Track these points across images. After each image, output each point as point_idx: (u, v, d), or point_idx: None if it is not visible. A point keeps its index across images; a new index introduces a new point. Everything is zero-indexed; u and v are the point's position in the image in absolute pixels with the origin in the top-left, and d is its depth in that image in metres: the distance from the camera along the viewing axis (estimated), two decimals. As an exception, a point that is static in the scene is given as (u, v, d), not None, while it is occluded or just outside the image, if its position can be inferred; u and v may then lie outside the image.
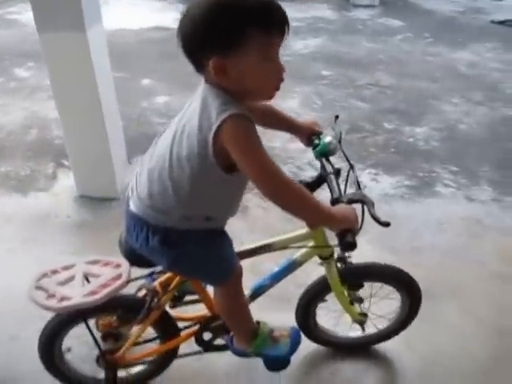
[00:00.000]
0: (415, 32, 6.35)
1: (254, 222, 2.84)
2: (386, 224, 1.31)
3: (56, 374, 1.83)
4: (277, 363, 1.73)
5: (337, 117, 1.69)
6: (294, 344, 1.71)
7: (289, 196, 1.26)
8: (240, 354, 1.74)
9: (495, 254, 2.66)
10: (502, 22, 6.72)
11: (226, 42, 1.16)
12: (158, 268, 1.62)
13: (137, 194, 1.40)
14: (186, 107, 1.32)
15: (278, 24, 1.18)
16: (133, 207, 1.42)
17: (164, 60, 5.26)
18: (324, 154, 1.58)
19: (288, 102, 4.30)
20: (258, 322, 1.69)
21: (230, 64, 1.17)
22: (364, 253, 1.79)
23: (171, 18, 6.79)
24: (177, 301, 1.73)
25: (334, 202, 1.41)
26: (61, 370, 1.82)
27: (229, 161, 1.23)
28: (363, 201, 1.39)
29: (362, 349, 2.13)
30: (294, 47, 5.72)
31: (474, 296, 2.35)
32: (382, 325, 2.05)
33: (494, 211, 3.02)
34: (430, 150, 3.66)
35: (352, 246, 1.32)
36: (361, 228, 1.36)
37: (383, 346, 2.10)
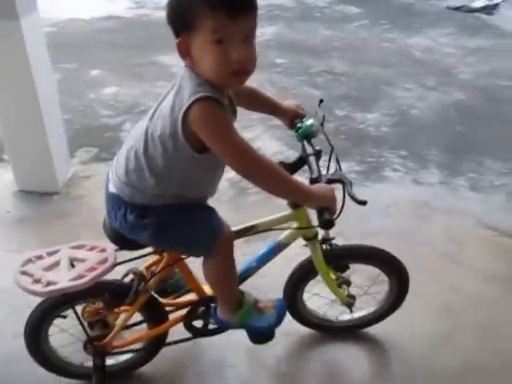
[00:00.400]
0: (372, 19, 6.39)
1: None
2: (363, 202, 1.37)
3: (42, 362, 1.80)
4: (261, 335, 1.73)
5: (321, 101, 1.74)
6: (280, 315, 1.71)
7: (263, 174, 1.32)
8: (224, 325, 1.74)
9: (443, 235, 2.70)
10: (457, 8, 6.82)
11: (183, 21, 1.21)
12: (145, 251, 1.64)
13: (116, 174, 1.46)
14: (167, 90, 1.37)
15: (228, 5, 1.16)
16: (111, 188, 1.48)
17: (115, 50, 5.19)
18: (306, 136, 1.62)
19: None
20: (243, 293, 1.69)
21: (191, 45, 1.23)
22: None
23: (123, 7, 6.70)
24: (165, 296, 1.79)
25: (313, 181, 1.47)
26: (47, 358, 1.80)
27: (200, 141, 1.27)
28: (342, 180, 1.44)
29: (349, 332, 2.14)
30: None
31: (423, 277, 2.37)
32: (371, 308, 2.07)
33: (442, 193, 3.08)
34: (381, 135, 3.69)
35: (330, 223, 1.36)
36: (343, 207, 1.40)
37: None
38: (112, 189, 1.48)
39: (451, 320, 2.19)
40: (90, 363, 1.76)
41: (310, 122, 1.63)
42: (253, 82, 4.25)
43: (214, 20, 1.16)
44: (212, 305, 1.74)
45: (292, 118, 1.69)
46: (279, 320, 1.70)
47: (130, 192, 1.43)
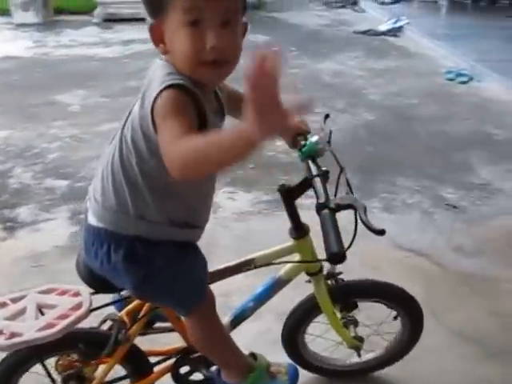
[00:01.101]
0: (281, 46, 6.46)
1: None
2: (381, 232, 1.16)
3: None
4: None
5: (327, 116, 1.56)
6: (293, 381, 1.58)
7: (183, 159, 0.97)
8: None
9: (357, 261, 2.60)
10: (364, 32, 7.06)
11: (156, 1, 1.07)
12: (125, 294, 1.45)
13: (94, 201, 1.26)
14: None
15: None
16: (91, 219, 1.28)
17: (10, 91, 4.92)
18: (310, 155, 1.43)
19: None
20: (254, 355, 1.56)
21: (165, 29, 1.08)
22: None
23: (22, 47, 6.43)
24: (147, 328, 1.55)
25: (320, 207, 1.25)
26: None
27: None
28: (354, 206, 1.24)
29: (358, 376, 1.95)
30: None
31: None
32: (380, 350, 1.89)
33: (353, 216, 3.00)
34: (292, 161, 3.60)
35: (340, 256, 1.13)
36: (354, 237, 1.22)
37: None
38: (92, 220, 1.27)
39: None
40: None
41: (314, 139, 1.45)
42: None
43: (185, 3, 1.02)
44: (216, 367, 1.56)
45: (294, 135, 1.50)
46: (295, 381, 1.57)
47: (113, 218, 1.23)
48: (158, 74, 1.09)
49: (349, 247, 1.17)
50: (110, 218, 1.24)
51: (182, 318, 1.44)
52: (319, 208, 1.25)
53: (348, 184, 1.34)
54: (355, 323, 1.70)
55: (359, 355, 1.80)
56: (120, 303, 1.50)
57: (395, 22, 7.06)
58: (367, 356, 1.88)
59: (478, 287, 2.40)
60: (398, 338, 1.85)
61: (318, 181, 1.34)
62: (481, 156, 3.71)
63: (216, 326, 1.44)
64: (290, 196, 1.44)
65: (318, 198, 1.28)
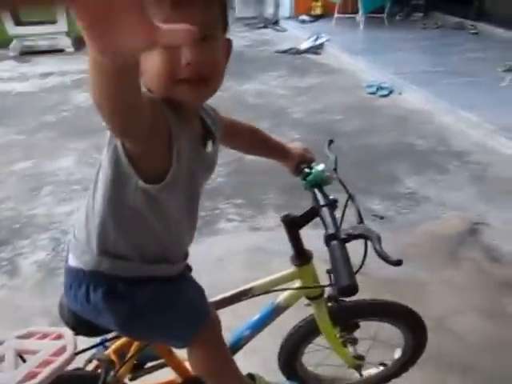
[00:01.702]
0: None
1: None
2: (397, 263, 1.10)
3: None
4: None
5: (331, 141, 1.52)
6: None
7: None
8: None
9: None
10: (286, 51, 7.13)
11: None
12: (111, 334, 1.35)
13: (73, 240, 1.18)
14: None
15: None
16: (71, 260, 1.19)
17: None
18: (317, 183, 1.40)
19: (60, 161, 3.96)
20: (253, 377, 1.50)
21: None
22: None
23: None
24: (136, 370, 1.45)
25: (330, 238, 1.19)
26: None
27: (152, 164, 0.98)
28: (367, 236, 1.19)
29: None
30: (74, 101, 5.41)
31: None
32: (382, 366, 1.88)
33: (279, 236, 2.94)
34: (215, 187, 3.54)
35: (353, 289, 1.07)
36: (362, 265, 1.22)
37: None
38: (71, 261, 1.18)
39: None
40: None
41: (320, 167, 1.43)
42: (74, 150, 3.83)
43: (154, 8, 0.88)
44: None
45: (298, 163, 1.48)
46: None
47: (87, 256, 1.13)
48: None
49: (357, 271, 1.15)
50: (83, 257, 1.15)
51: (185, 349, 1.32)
52: (328, 239, 1.21)
53: (359, 213, 1.27)
54: (354, 341, 1.68)
55: (360, 374, 1.79)
56: (105, 343, 1.40)
57: (315, 40, 7.19)
58: (370, 371, 1.87)
59: (403, 292, 2.40)
60: (400, 353, 1.84)
61: (325, 210, 1.30)
62: (405, 166, 3.78)
63: (222, 350, 1.35)
64: (293, 226, 1.44)
65: (326, 228, 1.24)
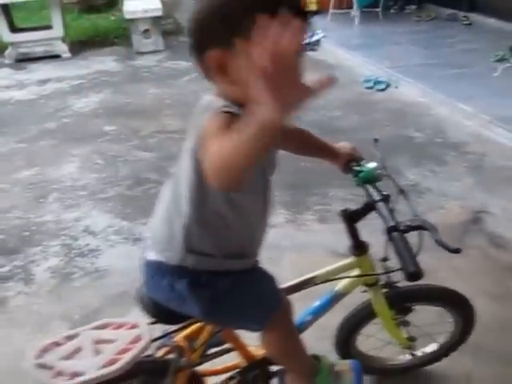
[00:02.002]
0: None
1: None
2: (457, 250, 1.27)
3: None
4: None
5: (376, 140, 1.64)
6: (359, 377, 1.58)
7: (216, 162, 0.92)
8: None
9: (296, 274, 2.60)
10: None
11: (230, 28, 1.00)
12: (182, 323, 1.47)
13: (152, 238, 1.34)
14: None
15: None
16: (149, 255, 1.33)
17: None
18: (369, 180, 1.51)
19: (64, 168, 4.00)
20: (318, 357, 1.57)
21: (233, 61, 1.02)
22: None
23: None
24: (201, 356, 1.55)
25: (391, 230, 1.33)
26: None
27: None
28: (424, 227, 1.33)
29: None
30: (73, 107, 5.45)
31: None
32: (432, 347, 2.00)
33: (290, 232, 3.09)
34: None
35: (418, 274, 1.22)
36: (418, 253, 1.30)
37: None
38: (150, 255, 1.33)
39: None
40: None
41: (372, 165, 1.54)
42: (78, 157, 3.89)
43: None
44: (274, 367, 1.63)
45: (347, 162, 1.58)
46: (359, 382, 1.58)
47: (171, 252, 1.27)
48: (207, 109, 1.07)
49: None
50: (167, 252, 1.28)
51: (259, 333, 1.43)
52: (390, 230, 1.33)
53: (411, 205, 1.42)
54: (406, 323, 1.79)
55: (412, 354, 1.92)
56: (171, 334, 1.51)
57: (312, 36, 7.20)
58: (419, 353, 1.99)
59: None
60: (451, 335, 1.96)
61: (381, 205, 1.42)
62: (405, 159, 3.86)
63: (292, 333, 1.47)
64: (351, 220, 1.55)
65: (386, 221, 1.36)
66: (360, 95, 5.28)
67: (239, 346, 1.58)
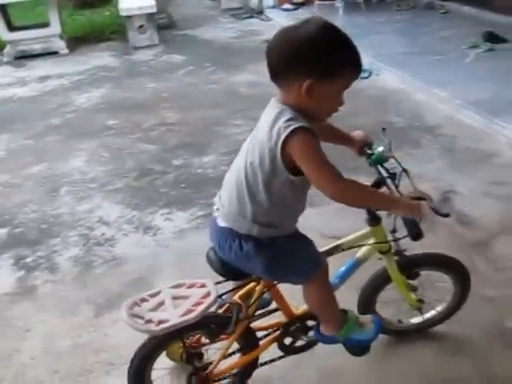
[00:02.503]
0: (197, 64, 6.63)
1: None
2: (446, 215, 1.59)
3: None
4: (360, 348, 1.95)
5: (384, 129, 1.91)
6: (378, 328, 1.92)
7: (350, 195, 1.52)
8: (327, 341, 1.92)
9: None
10: (272, 40, 7.29)
11: (329, 69, 1.42)
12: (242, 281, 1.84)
13: (223, 210, 1.64)
14: (259, 125, 1.56)
15: (361, 68, 1.49)
16: (221, 223, 1.65)
17: None
18: (379, 161, 1.81)
19: (72, 162, 4.18)
20: (345, 311, 1.89)
21: (318, 88, 1.43)
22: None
23: None
24: (253, 315, 1.88)
25: None
26: None
27: (295, 164, 1.46)
28: (423, 197, 1.61)
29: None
30: (75, 102, 5.61)
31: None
32: (438, 309, 2.29)
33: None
34: (221, 175, 3.66)
35: (419, 235, 1.58)
36: (418, 221, 1.61)
37: None
38: (222, 223, 1.65)
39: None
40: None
41: (381, 148, 1.83)
42: (85, 151, 4.12)
43: (352, 76, 1.48)
44: (310, 323, 1.96)
45: (361, 146, 1.88)
46: (378, 332, 1.92)
47: (239, 223, 1.60)
48: (284, 116, 1.45)
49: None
50: (239, 224, 1.61)
51: (302, 285, 1.78)
52: None
53: (412, 181, 1.71)
54: (415, 289, 2.10)
55: (421, 314, 2.21)
56: (224, 295, 1.84)
57: (299, 28, 7.36)
58: (427, 315, 2.28)
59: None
60: (452, 297, 2.25)
61: (389, 181, 1.72)
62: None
63: (329, 287, 1.82)
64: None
65: (392, 193, 1.68)
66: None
67: (283, 304, 1.91)
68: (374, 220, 1.87)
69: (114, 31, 8.20)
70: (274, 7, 8.97)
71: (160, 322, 1.62)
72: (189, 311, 1.65)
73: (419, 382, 2.15)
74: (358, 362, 2.05)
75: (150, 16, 7.54)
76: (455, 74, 5.17)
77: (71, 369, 2.27)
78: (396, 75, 5.46)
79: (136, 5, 7.50)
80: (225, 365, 1.92)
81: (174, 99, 5.47)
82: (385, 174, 1.75)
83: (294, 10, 8.67)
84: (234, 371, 1.97)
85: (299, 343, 2.01)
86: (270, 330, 1.97)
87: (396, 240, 1.91)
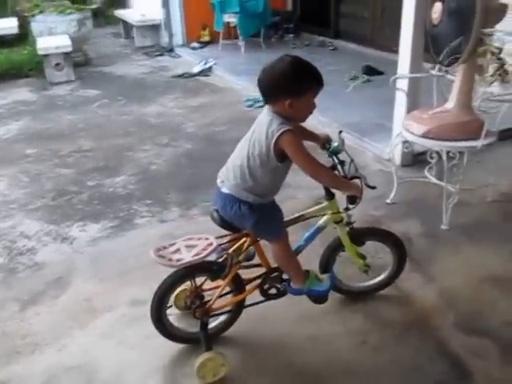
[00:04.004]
0: (111, 97, 7.03)
1: None
2: (374, 187, 2.29)
3: (161, 329, 2.45)
4: (320, 297, 2.54)
5: (340, 131, 2.53)
6: (332, 282, 2.54)
7: (321, 175, 2.21)
8: (295, 292, 2.50)
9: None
10: (180, 75, 7.87)
11: (301, 91, 2.08)
12: (235, 236, 2.44)
13: (228, 182, 2.24)
14: (256, 124, 2.20)
15: (322, 83, 2.14)
16: (225, 190, 2.25)
17: None
18: (334, 152, 2.44)
19: (-5, 186, 4.48)
20: (307, 270, 2.49)
21: (296, 103, 2.07)
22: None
23: None
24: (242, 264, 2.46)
25: (343, 178, 2.31)
26: (165, 326, 2.45)
27: (281, 155, 2.11)
28: (359, 176, 2.30)
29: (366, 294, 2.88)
30: (-5, 134, 5.85)
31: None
32: (383, 275, 2.84)
33: (182, 224, 3.76)
34: (129, 192, 4.27)
35: (355, 199, 2.26)
36: (359, 199, 2.27)
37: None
38: (225, 190, 2.25)
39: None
40: (193, 329, 2.52)
41: (335, 144, 2.45)
42: (5, 176, 4.56)
43: (317, 90, 2.14)
44: (284, 278, 2.53)
45: (324, 142, 2.48)
46: (332, 285, 2.53)
47: (240, 192, 2.22)
48: (276, 121, 2.08)
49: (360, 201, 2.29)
50: (239, 192, 2.22)
51: (271, 244, 2.38)
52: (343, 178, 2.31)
53: (355, 167, 2.34)
54: (364, 257, 2.70)
55: (367, 275, 2.75)
56: (223, 246, 2.45)
57: (205, 64, 8.01)
58: (374, 281, 2.85)
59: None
60: (391, 267, 2.80)
61: (339, 167, 2.37)
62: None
63: (289, 249, 2.43)
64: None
65: (340, 174, 2.32)
66: (242, 113, 6.09)
67: (263, 258, 2.49)
68: (329, 195, 2.46)
69: (32, 68, 8.38)
70: (183, 45, 9.57)
71: (178, 260, 2.22)
72: (198, 253, 2.24)
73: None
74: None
75: (66, 54, 7.86)
76: (336, 102, 5.90)
77: (1, 351, 2.63)
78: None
79: (53, 44, 7.84)
80: (220, 303, 2.47)
81: (89, 129, 5.85)
82: (337, 161, 2.39)
83: (201, 48, 9.30)
84: (228, 309, 2.53)
85: (273, 291, 2.58)
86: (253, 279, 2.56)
87: (347, 210, 2.49)
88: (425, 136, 3.49)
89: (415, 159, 4.37)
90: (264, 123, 2.12)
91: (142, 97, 6.96)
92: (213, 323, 2.55)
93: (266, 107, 2.17)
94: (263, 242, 2.45)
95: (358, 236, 2.64)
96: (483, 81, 3.85)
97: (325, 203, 2.51)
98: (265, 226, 2.31)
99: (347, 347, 2.56)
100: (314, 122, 5.54)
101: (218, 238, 2.39)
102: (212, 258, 2.38)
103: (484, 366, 2.43)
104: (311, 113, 2.19)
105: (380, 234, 2.78)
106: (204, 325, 2.46)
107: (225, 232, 2.43)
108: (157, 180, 4.48)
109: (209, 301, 2.43)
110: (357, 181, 2.30)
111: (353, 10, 8.92)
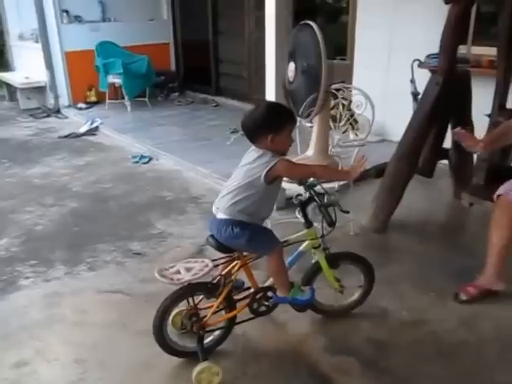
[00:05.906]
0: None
1: None
2: (347, 212, 2.62)
3: (162, 344, 2.68)
4: (303, 306, 2.88)
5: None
6: (313, 293, 2.84)
7: (323, 173, 2.87)
8: (281, 301, 2.80)
9: (70, 312, 3.30)
10: (67, 136, 7.78)
11: (278, 126, 2.47)
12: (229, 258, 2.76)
13: (223, 207, 2.54)
14: (245, 158, 2.56)
15: (296, 120, 2.69)
16: (220, 216, 2.55)
17: None
18: (311, 186, 2.75)
19: None
20: (292, 282, 2.77)
21: (276, 138, 2.47)
22: None
23: None
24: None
25: (320, 206, 2.61)
26: (166, 341, 2.69)
27: (272, 179, 2.47)
28: (333, 204, 2.60)
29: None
30: None
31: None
32: (357, 294, 3.13)
33: (68, 281, 3.72)
34: (12, 255, 4.14)
35: (334, 224, 2.57)
36: (335, 222, 2.58)
37: None
38: (220, 216, 2.55)
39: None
40: (191, 346, 2.76)
41: (311, 179, 2.78)
42: None
43: (293, 125, 2.59)
44: (271, 293, 2.81)
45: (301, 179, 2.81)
46: (313, 297, 2.85)
47: (234, 213, 2.51)
48: (265, 155, 2.47)
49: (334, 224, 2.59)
50: (235, 214, 2.52)
51: (266, 257, 2.68)
52: (319, 206, 2.60)
53: (329, 197, 2.72)
54: (338, 279, 2.94)
55: (342, 294, 3.00)
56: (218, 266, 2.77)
57: (91, 124, 8.01)
58: (347, 301, 3.15)
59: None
60: (362, 287, 3.11)
61: (316, 197, 2.66)
62: (157, 214, 4.80)
63: (282, 262, 2.71)
64: (303, 205, 2.78)
65: (318, 203, 2.62)
66: (128, 169, 6.19)
67: (252, 279, 2.79)
68: (308, 223, 2.77)
69: None
70: (69, 106, 9.46)
71: (179, 279, 2.50)
72: (196, 273, 2.52)
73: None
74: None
75: None
76: (217, 155, 6.20)
77: None
78: (171, 159, 6.34)
79: None
80: (214, 319, 2.71)
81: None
82: (313, 193, 2.69)
83: (88, 108, 9.25)
84: (221, 325, 2.77)
85: (262, 308, 2.83)
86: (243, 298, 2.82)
87: (323, 236, 2.80)
88: (289, 181, 3.82)
89: (287, 202, 4.71)
90: (254, 156, 2.50)
91: (27, 158, 6.78)
92: (207, 339, 2.80)
93: (252, 146, 2.56)
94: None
95: (334, 259, 2.92)
96: (337, 129, 4.37)
97: (304, 231, 2.82)
98: (258, 240, 2.59)
99: (230, 379, 2.70)
100: (193, 174, 5.86)
101: (213, 260, 2.69)
102: (207, 279, 2.67)
103: (348, 382, 2.69)
104: (290, 145, 2.60)
105: (352, 258, 3.06)
106: (200, 338, 2.70)
107: (220, 255, 2.76)
108: (42, 240, 4.40)
109: (204, 317, 2.69)
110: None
111: (231, 70, 9.46)
